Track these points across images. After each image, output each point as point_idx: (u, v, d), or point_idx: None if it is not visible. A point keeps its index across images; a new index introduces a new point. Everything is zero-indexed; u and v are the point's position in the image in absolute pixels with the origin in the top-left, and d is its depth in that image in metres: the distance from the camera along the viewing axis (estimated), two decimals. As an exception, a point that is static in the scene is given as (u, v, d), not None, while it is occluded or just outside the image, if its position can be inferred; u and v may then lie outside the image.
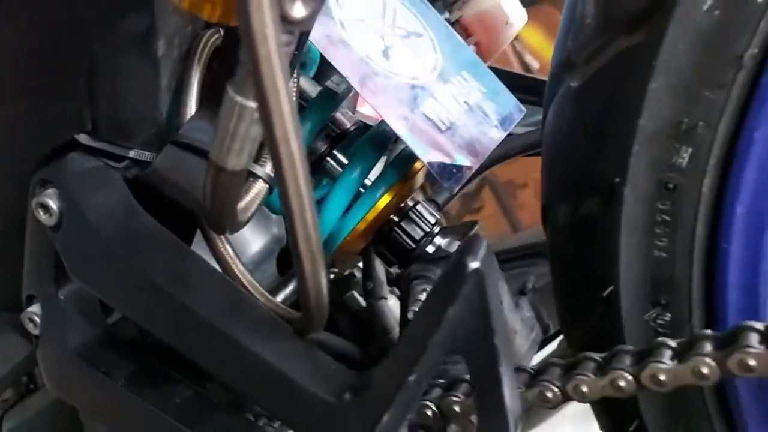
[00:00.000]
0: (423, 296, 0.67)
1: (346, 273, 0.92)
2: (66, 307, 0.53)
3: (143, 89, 0.50)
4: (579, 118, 0.48)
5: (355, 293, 0.90)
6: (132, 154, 0.52)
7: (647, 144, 0.44)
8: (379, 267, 0.80)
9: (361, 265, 0.81)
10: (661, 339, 0.43)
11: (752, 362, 0.39)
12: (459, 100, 0.64)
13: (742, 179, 0.44)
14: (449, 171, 0.59)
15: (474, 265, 0.31)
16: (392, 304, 0.82)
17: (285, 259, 0.85)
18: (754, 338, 0.39)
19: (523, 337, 0.76)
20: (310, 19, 0.31)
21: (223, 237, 0.52)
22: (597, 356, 0.45)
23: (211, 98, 0.51)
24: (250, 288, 0.49)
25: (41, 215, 0.50)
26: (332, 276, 0.90)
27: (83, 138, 0.51)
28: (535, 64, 1.52)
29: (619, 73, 0.44)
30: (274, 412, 0.43)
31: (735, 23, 0.40)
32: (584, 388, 0.44)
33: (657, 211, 0.46)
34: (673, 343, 0.42)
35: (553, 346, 0.86)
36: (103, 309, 0.58)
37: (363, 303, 0.89)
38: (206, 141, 0.50)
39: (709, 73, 0.41)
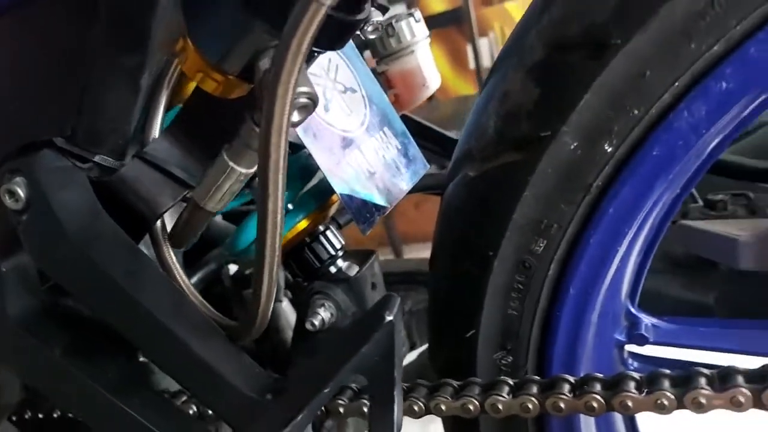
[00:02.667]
0: (321, 310, 0.79)
1: (247, 272, 1.02)
2: (7, 278, 0.60)
3: (122, 108, 0.57)
4: (471, 200, 0.62)
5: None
6: (97, 158, 0.60)
7: (516, 232, 0.59)
8: (281, 273, 0.91)
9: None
10: (502, 377, 0.58)
11: (562, 405, 0.55)
12: (379, 154, 0.77)
13: (577, 269, 0.59)
14: (364, 215, 0.71)
15: (389, 318, 0.44)
16: (285, 306, 0.94)
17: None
18: (566, 387, 0.55)
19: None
20: (301, 122, 0.43)
21: (168, 246, 0.61)
22: (454, 383, 0.60)
23: (179, 126, 0.60)
24: (189, 294, 0.58)
25: (7, 199, 0.56)
26: (235, 272, 0.99)
27: (59, 141, 0.58)
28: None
29: (505, 177, 0.58)
30: (204, 402, 0.53)
31: (589, 162, 0.55)
32: (442, 407, 0.58)
33: (515, 281, 0.61)
34: (510, 382, 0.58)
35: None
36: (41, 281, 0.65)
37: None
38: (168, 161, 0.59)
39: (566, 192, 0.56)
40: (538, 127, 0.55)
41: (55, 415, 0.73)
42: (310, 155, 0.76)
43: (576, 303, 0.61)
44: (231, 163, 0.45)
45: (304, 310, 0.81)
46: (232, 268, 0.98)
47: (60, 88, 0.54)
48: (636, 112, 0.52)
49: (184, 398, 0.61)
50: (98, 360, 0.61)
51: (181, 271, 0.60)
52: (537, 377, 0.58)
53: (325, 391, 0.47)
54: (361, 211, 0.71)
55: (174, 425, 0.56)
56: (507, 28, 2.85)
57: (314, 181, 0.81)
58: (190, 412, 0.60)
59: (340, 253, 0.84)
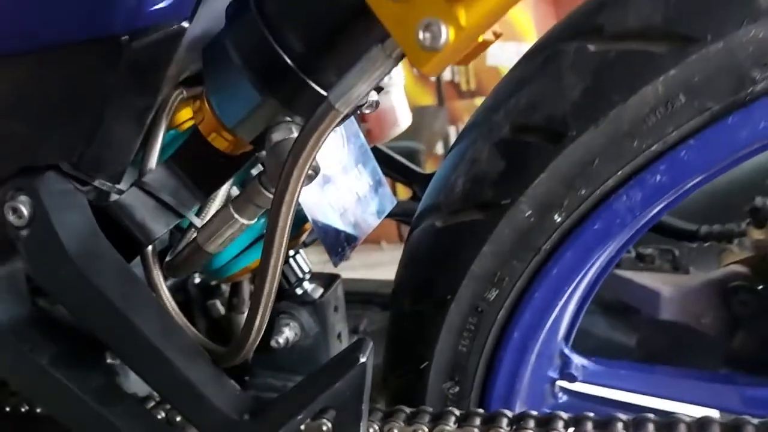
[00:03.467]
0: (286, 329, 0.86)
1: (213, 283, 1.08)
2: (-1, 286, 0.64)
3: (128, 140, 0.62)
4: (435, 248, 0.70)
5: (218, 302, 1.06)
6: (96, 182, 0.64)
7: (473, 281, 0.67)
8: (246, 287, 0.97)
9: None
10: (449, 408, 0.66)
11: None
12: (352, 190, 0.84)
13: (522, 317, 0.68)
14: (336, 248, 0.78)
15: (362, 359, 0.51)
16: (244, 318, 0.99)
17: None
18: (504, 421, 0.63)
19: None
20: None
21: (158, 270, 0.67)
22: (407, 410, 0.68)
23: (178, 160, 0.65)
24: (176, 318, 0.64)
25: (10, 215, 0.60)
26: (199, 282, 1.05)
27: (65, 166, 0.62)
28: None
29: (467, 232, 0.66)
30: (185, 417, 0.59)
31: (540, 229, 0.64)
32: (395, 431, 0.66)
33: (467, 322, 0.69)
34: (457, 413, 0.66)
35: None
36: (31, 292, 0.69)
37: (222, 311, 1.05)
38: (164, 191, 0.64)
39: (519, 252, 0.65)
40: (500, 195, 0.63)
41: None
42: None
43: (518, 345, 0.69)
44: (236, 215, 0.51)
45: (268, 327, 0.87)
46: (197, 278, 1.04)
47: (76, 120, 0.58)
48: (583, 192, 0.61)
49: (153, 403, 0.67)
50: (83, 368, 0.65)
51: (168, 295, 0.65)
52: (480, 410, 0.66)
53: (299, 417, 0.54)
54: (334, 244, 0.78)
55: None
56: None
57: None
58: (159, 417, 0.65)
59: (307, 276, 0.90)
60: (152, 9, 0.51)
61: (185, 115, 0.77)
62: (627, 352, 0.96)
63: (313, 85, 0.46)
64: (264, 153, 0.50)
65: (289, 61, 0.45)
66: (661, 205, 0.63)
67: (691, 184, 0.61)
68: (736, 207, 0.92)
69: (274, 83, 0.46)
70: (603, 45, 0.57)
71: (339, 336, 0.92)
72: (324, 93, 0.46)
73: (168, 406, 0.65)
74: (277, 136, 0.48)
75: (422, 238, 0.72)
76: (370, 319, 1.04)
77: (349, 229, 0.81)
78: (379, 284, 1.09)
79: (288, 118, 0.48)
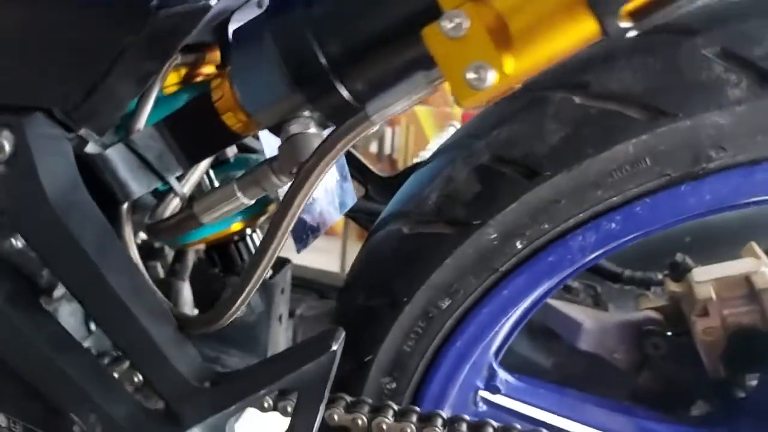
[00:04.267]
0: (234, 304, 0.87)
1: (158, 245, 1.08)
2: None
3: (126, 98, 0.63)
4: (399, 252, 0.74)
5: (159, 265, 1.06)
6: (82, 131, 0.64)
7: (430, 288, 0.72)
8: (191, 256, 0.98)
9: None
10: (388, 402, 0.71)
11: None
12: (322, 183, 0.87)
13: (467, 328, 0.74)
14: (300, 236, 0.81)
15: (334, 347, 0.55)
16: (185, 286, 1.01)
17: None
18: (439, 421, 0.69)
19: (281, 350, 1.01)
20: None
21: (131, 231, 0.68)
22: (348, 398, 0.72)
23: (170, 125, 0.66)
24: (146, 278, 0.65)
25: None
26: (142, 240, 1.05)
27: (57, 111, 0.62)
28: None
29: (433, 244, 0.71)
30: (144, 375, 0.60)
31: (501, 252, 0.69)
32: (335, 416, 0.70)
33: (417, 325, 0.74)
34: (395, 407, 0.71)
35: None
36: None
37: (161, 275, 1.06)
38: (150, 153, 0.65)
39: (477, 269, 0.70)
40: (471, 215, 0.68)
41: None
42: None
43: (459, 353, 0.75)
44: (238, 193, 0.54)
45: (215, 299, 0.89)
46: (142, 235, 1.04)
47: (83, 71, 0.58)
48: (545, 226, 0.67)
49: (108, 360, 0.68)
50: (39, 313, 0.66)
51: (137, 255, 0.67)
52: (416, 408, 0.71)
53: (261, 392, 0.57)
54: (299, 231, 0.81)
55: (102, 388, 0.63)
56: (412, 125, 3.07)
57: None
58: (135, 380, 0.66)
59: (261, 257, 0.92)
60: (191, -15, 0.52)
61: (171, 79, 0.78)
62: (542, 372, 1.04)
63: (342, 89, 0.49)
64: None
65: (325, 63, 0.48)
66: (608, 249, 0.70)
67: (637, 235, 0.68)
68: (657, 258, 1.02)
69: (305, 81, 0.49)
70: (587, 100, 0.64)
71: (280, 318, 0.95)
72: (348, 97, 0.50)
73: (125, 366, 0.66)
74: (295, 128, 0.51)
75: (386, 241, 0.76)
76: (308, 304, 1.08)
77: (313, 220, 0.84)
78: (319, 273, 1.12)
79: (306, 113, 0.51)
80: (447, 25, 0.39)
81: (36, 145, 0.59)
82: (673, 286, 0.94)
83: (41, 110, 0.60)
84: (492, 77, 0.39)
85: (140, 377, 0.75)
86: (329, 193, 0.89)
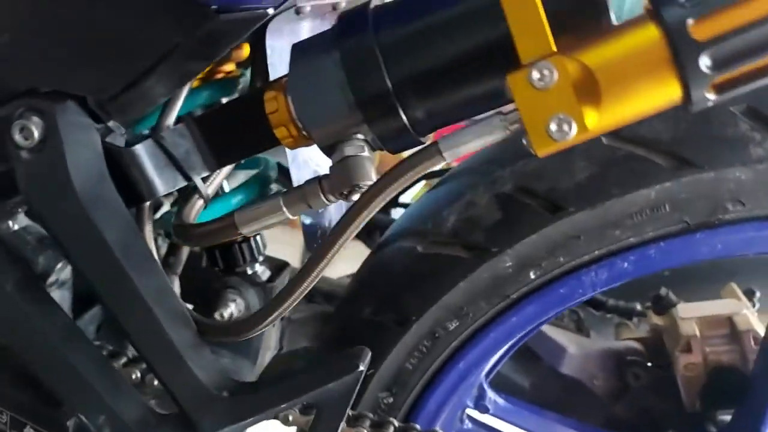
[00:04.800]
0: (232, 305, 0.87)
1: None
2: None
3: (161, 94, 0.62)
4: (413, 270, 0.75)
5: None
6: (110, 123, 0.63)
7: (440, 309, 0.73)
8: (185, 251, 0.97)
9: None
10: (387, 418, 0.72)
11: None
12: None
13: (471, 350, 0.75)
14: (313, 244, 0.81)
15: (361, 368, 0.56)
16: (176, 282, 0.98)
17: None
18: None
19: (270, 352, 1.00)
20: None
21: (151, 227, 0.66)
22: (350, 412, 0.72)
23: (202, 124, 0.65)
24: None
25: (16, 134, 0.58)
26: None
27: (91, 100, 0.60)
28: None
29: (449, 265, 0.73)
30: (162, 380, 0.59)
31: (514, 280, 0.71)
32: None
33: (422, 344, 0.76)
34: (396, 423, 0.72)
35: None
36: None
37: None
38: (179, 151, 0.64)
39: (489, 294, 0.72)
40: (489, 242, 0.70)
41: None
42: (273, 167, 0.84)
43: (460, 374, 0.77)
44: (284, 208, 0.54)
45: (214, 298, 0.88)
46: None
47: (128, 63, 0.56)
48: (561, 259, 0.69)
49: (125, 360, 0.67)
50: (49, 303, 0.64)
51: (156, 255, 0.65)
52: (416, 425, 0.72)
53: (282, 406, 0.57)
54: (312, 239, 0.81)
55: (112, 388, 0.62)
56: None
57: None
58: (133, 377, 0.65)
59: (261, 258, 0.92)
60: (257, -5, 0.52)
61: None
62: (519, 390, 1.06)
63: (404, 117, 0.49)
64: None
65: (390, 87, 0.48)
66: (615, 285, 0.72)
67: (646, 275, 0.71)
68: (634, 287, 1.06)
69: (367, 103, 0.49)
70: (616, 142, 0.66)
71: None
72: (406, 124, 0.50)
73: (142, 367, 0.65)
74: (349, 150, 0.51)
75: (398, 257, 0.77)
76: (295, 307, 1.07)
77: (324, 228, 0.84)
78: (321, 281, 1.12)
79: (360, 135, 0.51)
80: (536, 75, 0.40)
81: (67, 133, 0.58)
82: (656, 319, 0.98)
83: (74, 98, 0.59)
84: (573, 131, 0.40)
85: (138, 374, 0.74)
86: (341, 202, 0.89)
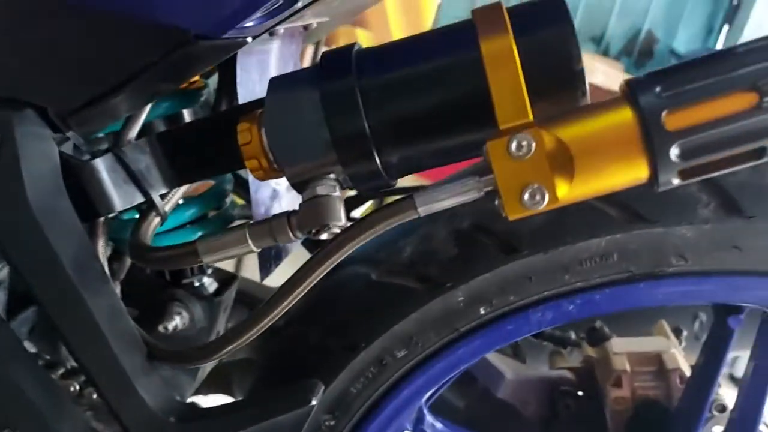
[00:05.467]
0: (177, 318, 0.86)
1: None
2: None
3: (125, 110, 0.60)
4: (365, 297, 0.76)
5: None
6: (69, 134, 0.61)
7: (390, 337, 0.74)
8: (127, 261, 0.94)
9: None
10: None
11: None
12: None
13: (416, 378, 0.77)
14: (266, 264, 0.81)
15: (313, 403, 0.56)
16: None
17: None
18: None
19: (211, 364, 0.99)
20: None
21: (104, 243, 0.65)
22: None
23: (164, 142, 0.64)
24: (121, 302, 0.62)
25: None
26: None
27: (51, 111, 0.58)
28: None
29: (401, 295, 0.73)
30: (108, 403, 0.58)
31: (465, 314, 0.73)
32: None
33: (369, 370, 0.76)
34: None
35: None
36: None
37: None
38: (139, 167, 0.63)
39: (439, 326, 0.73)
40: (443, 276, 0.71)
41: None
42: (229, 180, 0.83)
43: (403, 401, 0.78)
44: (250, 241, 0.53)
45: (159, 310, 0.86)
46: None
47: (96, 78, 0.55)
48: (512, 298, 0.71)
49: (63, 371, 0.64)
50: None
51: (108, 274, 0.64)
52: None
53: (226, 437, 0.57)
54: (265, 259, 0.81)
55: (54, 407, 0.60)
56: None
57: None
58: (72, 389, 0.63)
59: (209, 271, 0.91)
60: (239, 26, 0.51)
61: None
62: (453, 411, 1.09)
63: (378, 161, 0.50)
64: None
65: (368, 131, 0.49)
66: (559, 325, 0.75)
67: (589, 317, 0.74)
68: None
69: (344, 145, 0.49)
70: (572, 190, 0.68)
71: (217, 334, 0.94)
72: (380, 168, 0.51)
73: (81, 379, 0.63)
74: (321, 189, 0.51)
75: (352, 282, 0.78)
76: (236, 318, 1.06)
77: (277, 248, 0.84)
78: (253, 285, 1.11)
79: (332, 176, 0.52)
80: (514, 146, 0.41)
81: (24, 144, 0.56)
82: (590, 350, 1.02)
83: (34, 107, 0.57)
84: (546, 201, 0.42)
85: (77, 386, 0.72)
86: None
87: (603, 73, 3.38)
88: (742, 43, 0.40)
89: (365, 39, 3.30)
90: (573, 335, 1.11)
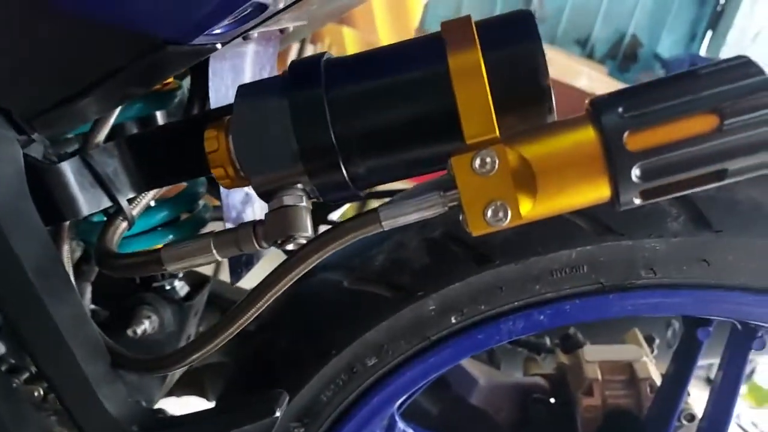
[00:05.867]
0: (146, 321, 0.85)
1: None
2: None
3: (92, 114, 0.59)
4: (336, 304, 0.76)
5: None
6: (35, 136, 0.60)
7: (361, 345, 0.74)
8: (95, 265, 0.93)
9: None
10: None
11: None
12: (261, 214, 0.86)
13: (387, 386, 0.76)
14: (237, 269, 0.80)
15: (278, 414, 0.56)
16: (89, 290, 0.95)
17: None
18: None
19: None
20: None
21: (68, 248, 0.64)
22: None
23: (132, 146, 0.63)
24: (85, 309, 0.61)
25: None
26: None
27: (16, 113, 0.57)
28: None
29: (373, 303, 0.73)
30: (70, 411, 0.57)
31: (436, 323, 0.73)
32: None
33: (339, 378, 0.76)
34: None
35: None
36: None
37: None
38: (107, 171, 0.62)
39: (410, 335, 0.73)
40: (415, 285, 0.71)
41: None
42: (202, 183, 0.83)
43: (373, 409, 0.78)
44: (214, 250, 0.53)
45: (128, 313, 0.85)
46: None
47: (64, 82, 0.54)
48: (483, 307, 0.71)
49: (27, 375, 0.64)
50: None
51: (73, 280, 0.63)
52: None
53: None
54: (236, 264, 0.80)
55: (9, 408, 0.59)
56: (335, 46, 3.14)
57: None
58: (35, 394, 0.62)
59: (180, 274, 0.90)
60: (209, 33, 0.51)
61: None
62: (426, 417, 1.09)
63: (345, 172, 0.50)
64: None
65: (334, 142, 0.48)
66: (530, 334, 0.75)
67: (559, 327, 0.74)
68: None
69: (311, 155, 0.49)
70: (544, 201, 0.68)
71: (188, 338, 0.93)
72: (347, 179, 0.50)
73: (45, 385, 0.62)
74: (288, 200, 0.50)
75: (323, 289, 0.77)
76: (208, 321, 1.05)
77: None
78: (221, 285, 1.10)
79: (300, 185, 0.51)
80: (478, 162, 0.41)
81: None
82: (563, 357, 1.02)
83: None
84: (508, 218, 0.41)
85: (41, 392, 0.71)
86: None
87: (587, 77, 3.40)
88: (704, 65, 0.40)
89: (351, 38, 3.29)
90: (548, 342, 1.12)
